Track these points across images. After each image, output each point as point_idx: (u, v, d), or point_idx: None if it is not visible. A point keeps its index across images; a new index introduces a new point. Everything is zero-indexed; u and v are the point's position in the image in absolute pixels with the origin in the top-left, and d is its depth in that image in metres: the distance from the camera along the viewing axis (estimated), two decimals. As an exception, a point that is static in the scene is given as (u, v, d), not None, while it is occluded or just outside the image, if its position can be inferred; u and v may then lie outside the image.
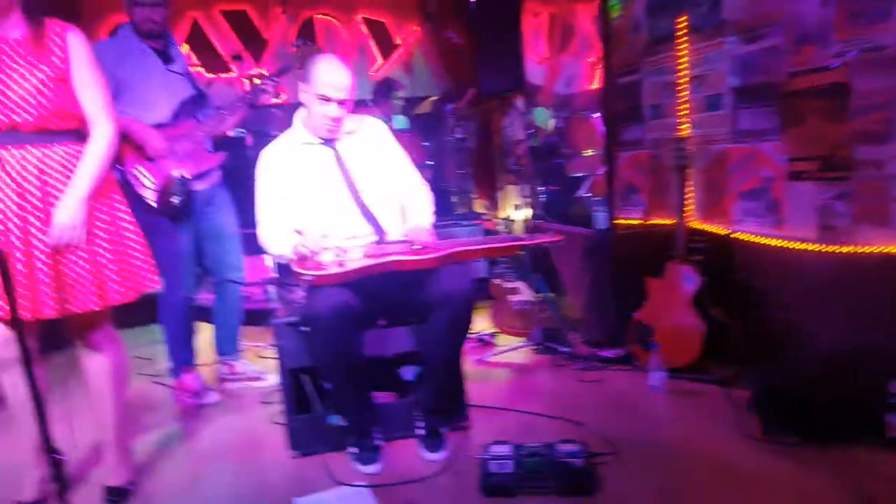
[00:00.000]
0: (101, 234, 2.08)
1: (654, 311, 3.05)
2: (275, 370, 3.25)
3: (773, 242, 2.69)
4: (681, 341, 2.89)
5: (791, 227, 2.68)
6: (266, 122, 5.62)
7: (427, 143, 5.18)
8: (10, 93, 1.95)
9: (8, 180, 1.97)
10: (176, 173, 2.87)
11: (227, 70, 5.37)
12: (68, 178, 2.04)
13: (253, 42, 5.62)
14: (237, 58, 4.55)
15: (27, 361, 1.57)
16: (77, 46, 2.05)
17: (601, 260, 3.40)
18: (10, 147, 1.98)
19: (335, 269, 2.25)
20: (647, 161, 3.66)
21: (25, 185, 1.98)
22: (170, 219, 2.94)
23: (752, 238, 2.83)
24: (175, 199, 2.88)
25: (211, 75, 5.51)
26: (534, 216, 4.42)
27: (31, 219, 1.99)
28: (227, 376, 3.32)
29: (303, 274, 2.26)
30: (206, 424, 2.88)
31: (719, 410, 2.56)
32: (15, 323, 1.54)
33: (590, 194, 4.20)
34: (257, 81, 3.18)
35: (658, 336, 2.96)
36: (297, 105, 2.56)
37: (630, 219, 3.80)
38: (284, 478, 2.34)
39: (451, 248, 2.38)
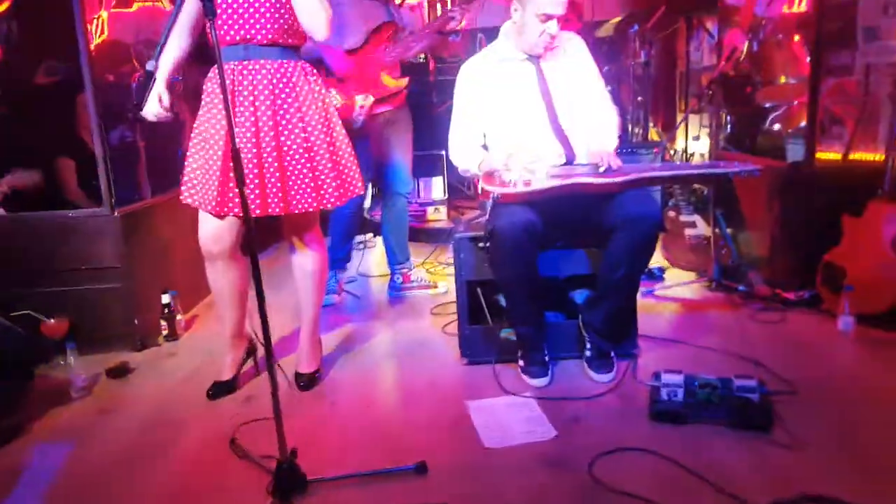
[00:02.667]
0: (320, 142, 2.25)
1: (848, 252, 2.81)
2: (444, 283, 3.43)
3: None
4: (876, 286, 2.65)
5: None
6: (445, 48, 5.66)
7: (608, 68, 4.98)
8: (246, 12, 2.12)
9: (244, 91, 2.16)
10: (359, 97, 3.02)
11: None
12: (296, 90, 2.20)
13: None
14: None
15: (253, 255, 1.74)
16: None
17: (793, 195, 3.16)
18: (243, 61, 2.16)
19: (522, 188, 2.27)
20: (854, 89, 3.29)
21: (258, 94, 2.16)
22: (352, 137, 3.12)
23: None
24: (359, 120, 3.04)
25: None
26: (716, 147, 4.16)
27: (263, 126, 2.17)
28: (402, 284, 3.54)
29: (490, 190, 2.31)
30: (383, 328, 3.10)
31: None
32: (246, 219, 1.72)
33: (779, 126, 3.87)
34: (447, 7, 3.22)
35: (851, 279, 2.73)
36: (475, 32, 2.57)
37: (827, 152, 3.47)
38: (455, 381, 2.49)
39: (640, 173, 2.33)
